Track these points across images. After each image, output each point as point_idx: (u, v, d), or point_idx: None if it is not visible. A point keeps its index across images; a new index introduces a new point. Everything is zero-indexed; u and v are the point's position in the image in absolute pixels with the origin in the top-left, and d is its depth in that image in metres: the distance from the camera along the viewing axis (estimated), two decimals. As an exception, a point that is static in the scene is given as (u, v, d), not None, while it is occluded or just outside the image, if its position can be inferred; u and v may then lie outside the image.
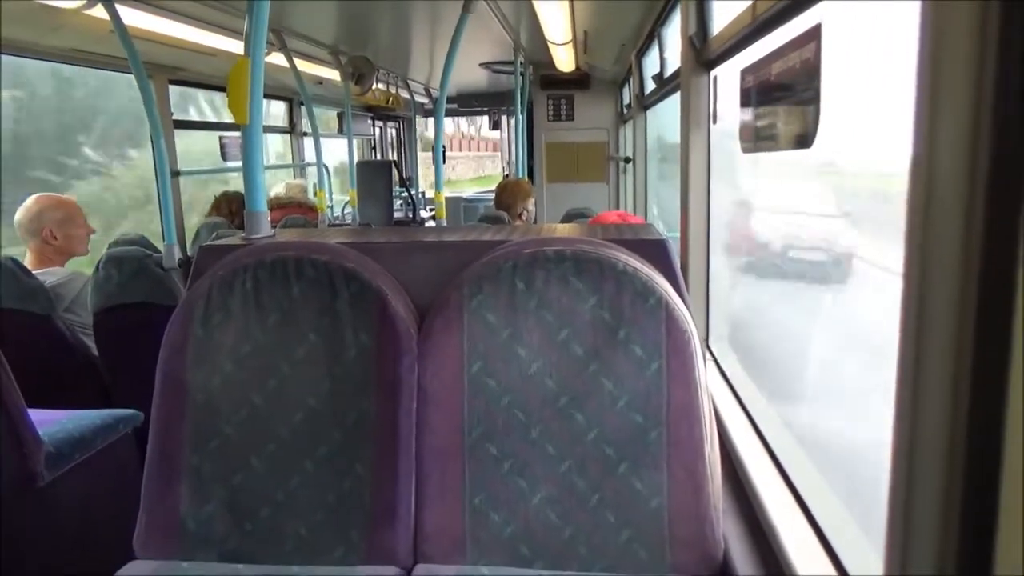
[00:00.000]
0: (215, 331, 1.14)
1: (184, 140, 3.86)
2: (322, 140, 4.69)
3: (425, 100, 7.74)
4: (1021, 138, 0.48)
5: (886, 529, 0.62)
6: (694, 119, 1.81)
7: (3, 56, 2.79)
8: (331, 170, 5.64)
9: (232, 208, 3.84)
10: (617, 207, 5.69)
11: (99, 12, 2.47)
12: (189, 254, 3.24)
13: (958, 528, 0.55)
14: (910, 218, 0.57)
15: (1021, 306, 0.47)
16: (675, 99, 2.74)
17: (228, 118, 2.43)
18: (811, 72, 1.07)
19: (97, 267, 2.46)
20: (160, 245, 3.01)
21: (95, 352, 2.52)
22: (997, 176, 0.50)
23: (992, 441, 0.51)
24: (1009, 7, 0.49)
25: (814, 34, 1.05)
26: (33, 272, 2.42)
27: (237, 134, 4.22)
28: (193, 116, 4.49)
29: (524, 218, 3.70)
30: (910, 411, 0.57)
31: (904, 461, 0.58)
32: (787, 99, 1.19)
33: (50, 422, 1.81)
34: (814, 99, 1.08)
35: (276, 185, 4.45)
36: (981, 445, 0.53)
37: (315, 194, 4.65)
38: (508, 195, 3.73)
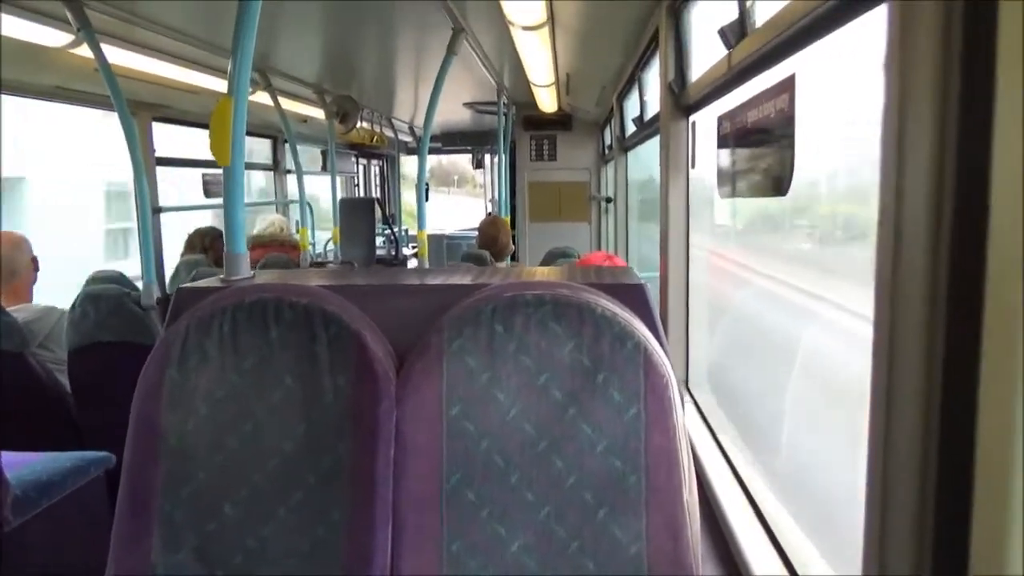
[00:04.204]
0: (191, 374, 1.12)
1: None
2: (306, 177, 4.71)
3: (409, 138, 7.81)
4: (981, 185, 0.51)
5: (863, 530, 0.64)
6: (673, 163, 1.84)
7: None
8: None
9: (205, 243, 3.82)
10: (599, 247, 5.74)
11: (83, 51, 2.48)
12: (168, 292, 3.21)
13: (932, 530, 0.58)
14: (880, 257, 0.61)
15: (987, 315, 0.51)
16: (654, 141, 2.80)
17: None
18: (786, 121, 1.10)
19: (74, 304, 2.43)
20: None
21: (68, 390, 2.47)
22: (961, 225, 0.54)
23: (963, 446, 0.54)
24: (970, 67, 0.52)
25: (788, 85, 1.08)
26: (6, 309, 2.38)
27: (220, 171, 4.22)
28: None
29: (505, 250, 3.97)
30: (884, 420, 0.61)
31: (879, 465, 0.62)
32: (763, 146, 1.22)
33: (19, 464, 1.76)
34: (789, 147, 1.10)
35: (258, 222, 4.44)
36: (953, 450, 0.56)
37: (298, 231, 4.64)
38: (493, 229, 4.07)
